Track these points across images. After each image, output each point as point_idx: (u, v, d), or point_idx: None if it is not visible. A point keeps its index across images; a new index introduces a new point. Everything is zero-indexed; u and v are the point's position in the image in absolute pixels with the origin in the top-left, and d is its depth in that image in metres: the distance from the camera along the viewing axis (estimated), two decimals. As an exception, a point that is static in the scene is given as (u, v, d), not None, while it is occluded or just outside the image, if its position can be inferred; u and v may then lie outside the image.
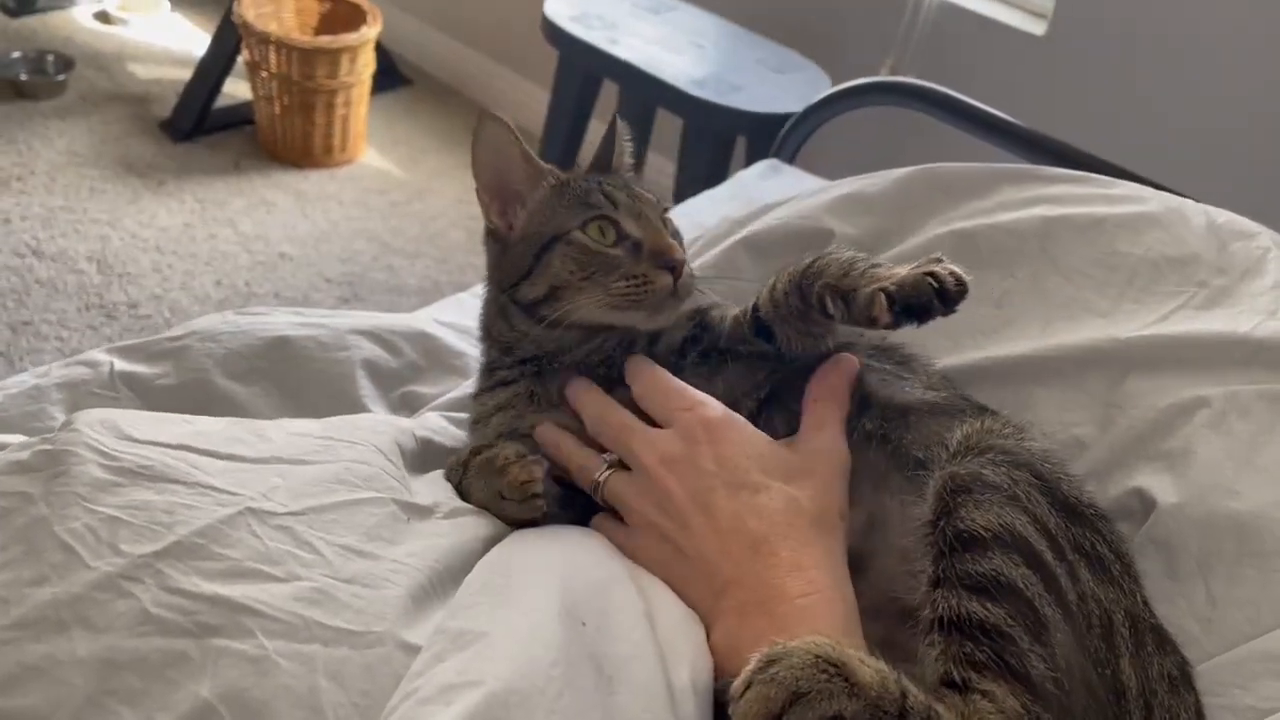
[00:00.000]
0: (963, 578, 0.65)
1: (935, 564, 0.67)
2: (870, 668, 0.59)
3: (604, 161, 0.96)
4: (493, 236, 0.92)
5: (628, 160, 0.98)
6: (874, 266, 0.76)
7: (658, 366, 0.84)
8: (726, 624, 0.70)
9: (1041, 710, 0.61)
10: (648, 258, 0.83)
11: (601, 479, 0.80)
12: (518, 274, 0.87)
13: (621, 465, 0.80)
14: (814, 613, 0.68)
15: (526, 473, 0.76)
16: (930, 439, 0.77)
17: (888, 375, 0.85)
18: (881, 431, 0.80)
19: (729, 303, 0.91)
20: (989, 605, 0.64)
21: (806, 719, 0.56)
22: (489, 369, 0.93)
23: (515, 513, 0.77)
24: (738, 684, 0.58)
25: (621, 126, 0.97)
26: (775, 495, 0.74)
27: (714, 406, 0.80)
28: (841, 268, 0.77)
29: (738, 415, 0.80)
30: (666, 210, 0.90)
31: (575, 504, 0.83)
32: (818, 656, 0.57)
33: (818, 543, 0.72)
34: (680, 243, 0.90)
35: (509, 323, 0.90)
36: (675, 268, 0.82)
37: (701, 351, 0.86)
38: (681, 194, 2.27)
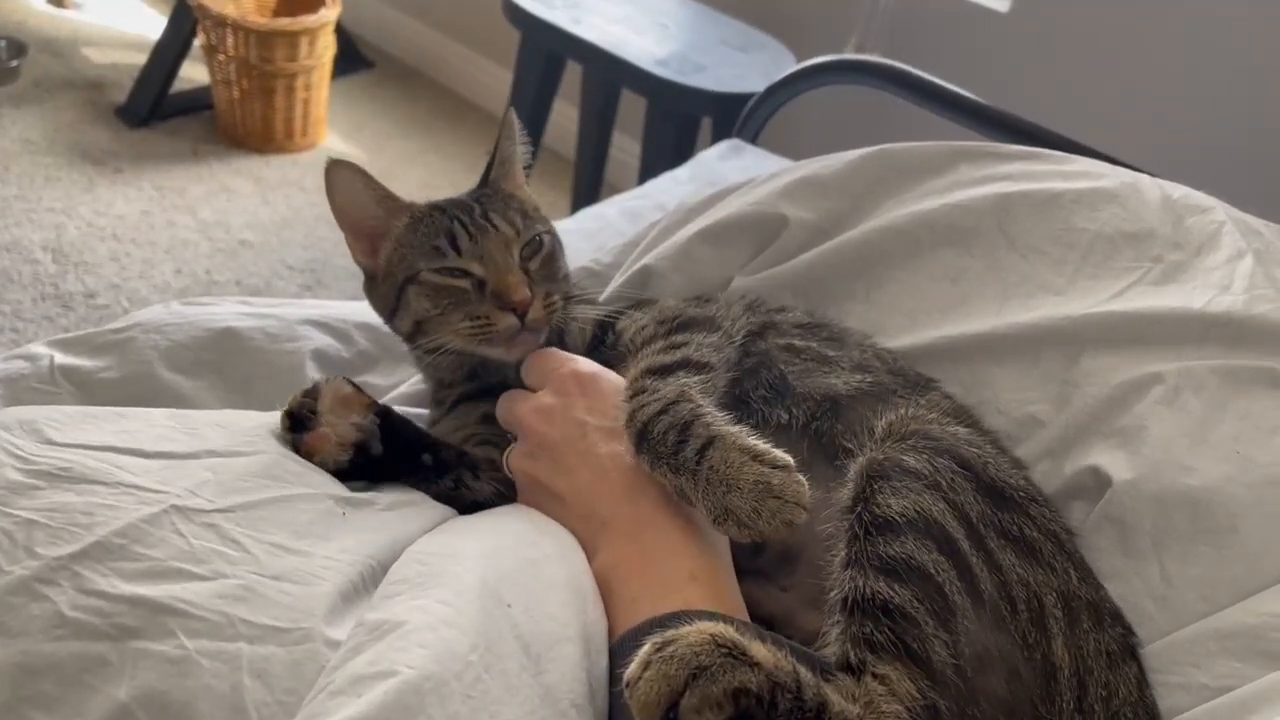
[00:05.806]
0: (873, 559, 0.65)
1: (849, 547, 0.67)
2: (762, 646, 0.59)
3: (487, 170, 0.96)
4: (366, 274, 0.93)
5: (520, 159, 0.96)
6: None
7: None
8: (602, 556, 0.73)
9: (938, 696, 0.60)
10: (490, 298, 0.83)
11: (506, 457, 0.83)
12: (389, 309, 0.89)
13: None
14: (679, 540, 0.71)
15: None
16: (858, 426, 0.77)
17: (810, 361, 0.85)
18: (808, 423, 0.80)
19: (642, 311, 0.92)
20: (896, 586, 0.63)
21: (711, 693, 0.56)
22: (436, 401, 0.95)
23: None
24: (634, 668, 0.57)
25: (512, 121, 0.95)
26: None
27: (584, 363, 0.83)
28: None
29: (606, 369, 0.82)
30: (535, 236, 0.89)
31: None
32: (712, 635, 0.58)
33: None
34: (553, 271, 0.89)
35: (421, 360, 0.93)
36: (515, 308, 0.82)
37: (605, 360, 0.86)
38: (646, 174, 2.24)
